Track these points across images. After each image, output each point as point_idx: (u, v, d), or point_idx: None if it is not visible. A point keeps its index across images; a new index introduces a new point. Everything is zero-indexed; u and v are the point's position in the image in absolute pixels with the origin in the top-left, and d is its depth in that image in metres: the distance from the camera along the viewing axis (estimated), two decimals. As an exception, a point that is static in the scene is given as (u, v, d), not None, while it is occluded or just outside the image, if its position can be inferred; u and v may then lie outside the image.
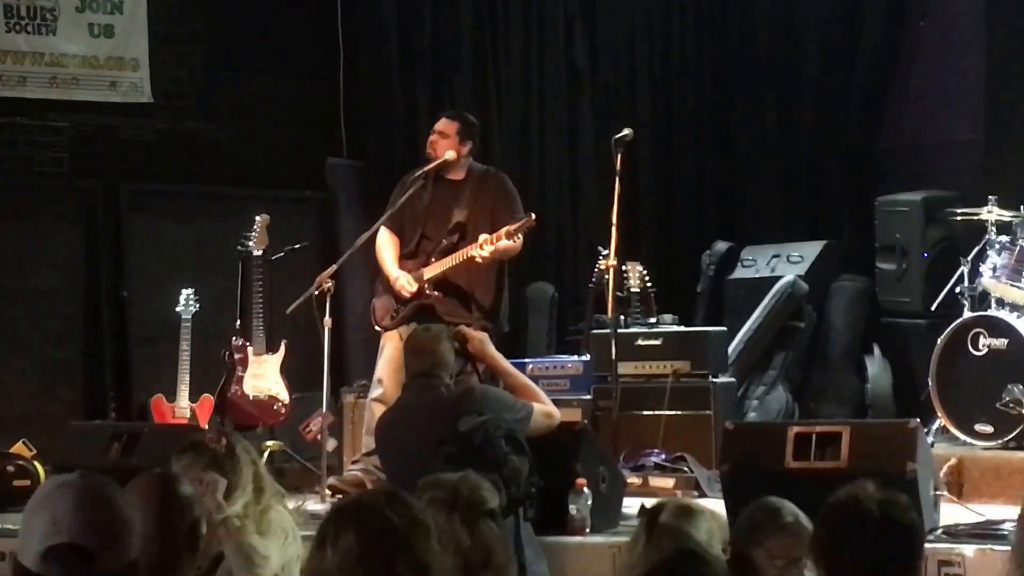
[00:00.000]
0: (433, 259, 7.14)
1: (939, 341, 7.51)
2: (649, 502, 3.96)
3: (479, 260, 6.95)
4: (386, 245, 7.30)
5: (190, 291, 8.27)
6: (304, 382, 8.19)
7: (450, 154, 7.19)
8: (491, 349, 6.42)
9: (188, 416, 8.07)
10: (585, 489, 5.80)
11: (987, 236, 7.62)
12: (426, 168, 7.25)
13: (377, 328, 7.31)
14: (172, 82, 9.60)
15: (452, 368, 6.06)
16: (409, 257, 7.25)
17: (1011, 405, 7.16)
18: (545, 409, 6.01)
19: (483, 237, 6.94)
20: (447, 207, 7.21)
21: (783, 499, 4.10)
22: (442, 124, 7.29)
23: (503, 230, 6.91)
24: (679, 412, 7.80)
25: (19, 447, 7.76)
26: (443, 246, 7.15)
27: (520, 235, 6.98)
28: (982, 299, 7.62)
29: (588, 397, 8.05)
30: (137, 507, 3.07)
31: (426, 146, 7.30)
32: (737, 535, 4.06)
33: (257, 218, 8.22)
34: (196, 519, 3.33)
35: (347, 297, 8.98)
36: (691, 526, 3.80)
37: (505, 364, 6.44)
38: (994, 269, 7.49)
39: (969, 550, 5.23)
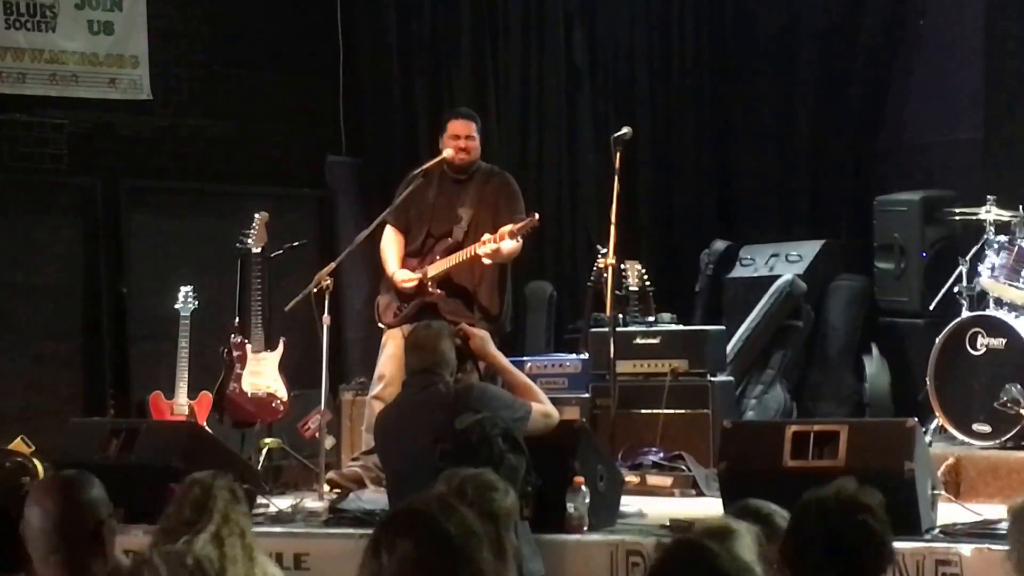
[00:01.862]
0: (438, 256, 7.14)
1: (937, 341, 7.51)
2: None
3: (484, 259, 6.94)
4: (389, 243, 7.31)
5: (189, 288, 8.26)
6: (303, 379, 8.19)
7: (448, 152, 7.19)
8: (492, 348, 6.42)
9: (186, 413, 8.06)
10: (583, 487, 5.80)
11: (986, 236, 7.62)
12: (426, 165, 7.26)
13: (380, 325, 7.32)
14: (171, 79, 9.61)
15: (452, 366, 6.05)
16: (414, 255, 7.25)
17: (1009, 405, 7.16)
18: (544, 409, 6.01)
19: (486, 236, 6.94)
20: (452, 205, 7.21)
21: (766, 502, 4.09)
22: (466, 127, 7.22)
23: (506, 229, 6.91)
24: (677, 411, 7.80)
25: (18, 443, 7.76)
26: (448, 244, 7.15)
27: (524, 235, 6.98)
28: (980, 299, 7.63)
29: (586, 395, 8.05)
30: (35, 509, 3.38)
31: (455, 152, 7.17)
32: None
33: (256, 215, 8.21)
34: (100, 521, 3.44)
35: (346, 295, 8.99)
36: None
37: (505, 363, 6.44)
38: (992, 269, 7.49)
39: (966, 549, 5.24)
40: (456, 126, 7.25)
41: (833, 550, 3.23)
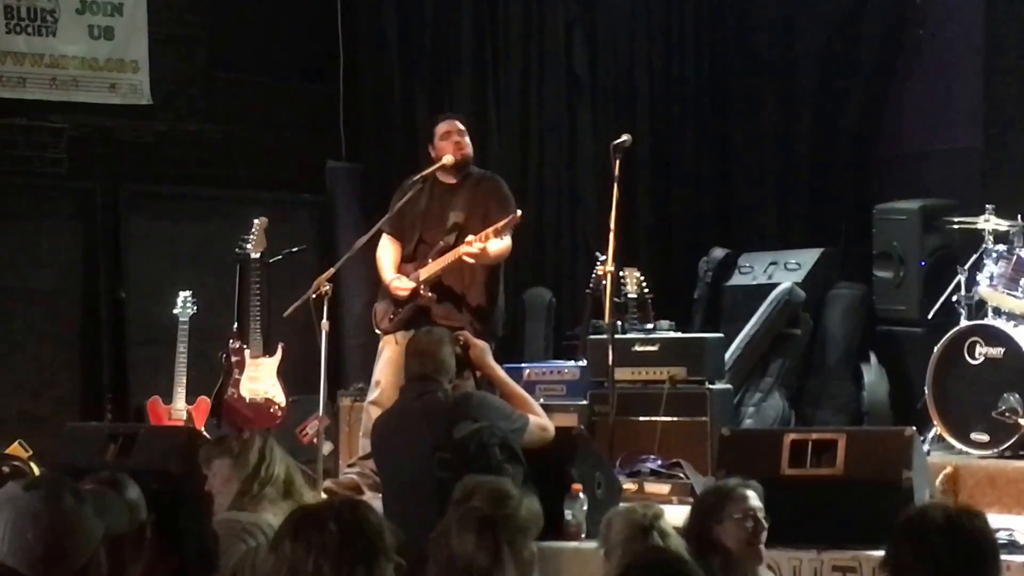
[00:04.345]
0: (430, 260, 7.15)
1: (936, 349, 7.51)
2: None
3: (470, 260, 6.95)
4: (386, 251, 7.32)
5: (188, 293, 8.27)
6: (301, 385, 8.19)
7: (448, 159, 7.20)
8: (491, 360, 6.40)
9: (184, 418, 8.07)
10: (581, 494, 5.80)
11: (984, 245, 7.62)
12: (424, 172, 7.26)
13: (377, 331, 7.32)
14: (171, 84, 9.62)
15: (452, 373, 6.04)
16: (408, 260, 7.26)
17: (1007, 414, 7.16)
18: (541, 422, 5.99)
19: (470, 237, 6.95)
20: (444, 210, 7.22)
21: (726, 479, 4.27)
22: (450, 124, 7.28)
23: (490, 229, 6.91)
24: (675, 418, 7.79)
25: (15, 448, 7.77)
26: (440, 249, 7.16)
27: (508, 234, 6.97)
28: (979, 308, 7.63)
29: (585, 402, 8.05)
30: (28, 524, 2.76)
31: (447, 149, 7.18)
32: (695, 525, 4.23)
33: (255, 221, 8.22)
34: (94, 554, 2.80)
35: (344, 300, 8.98)
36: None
37: (503, 375, 6.41)
38: (991, 278, 7.49)
39: (964, 558, 5.23)
40: (444, 126, 7.31)
41: (935, 562, 3.16)
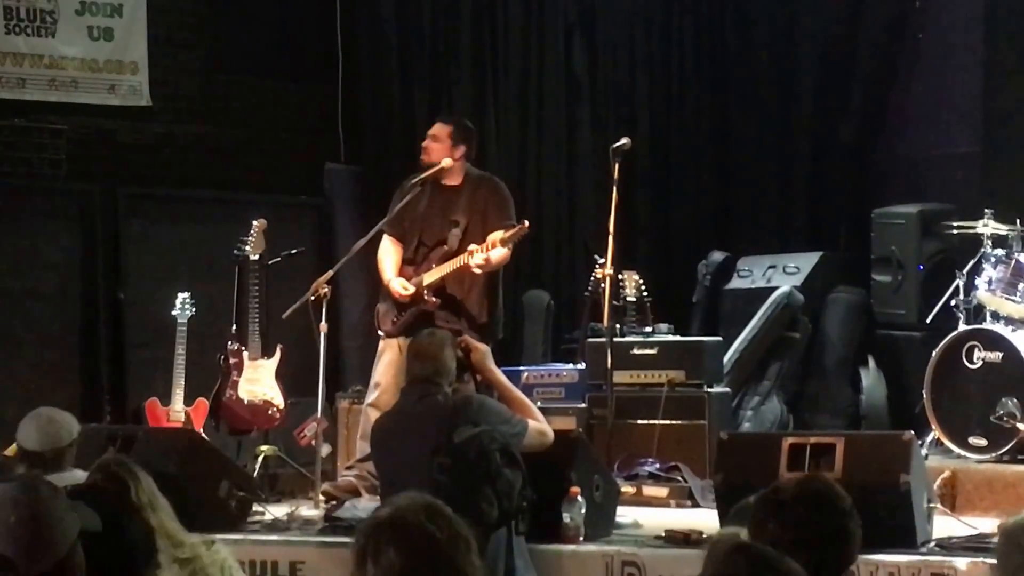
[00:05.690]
0: (433, 264, 7.16)
1: (934, 354, 7.51)
2: None
3: (474, 269, 6.96)
4: (387, 253, 7.32)
5: (186, 295, 8.26)
6: (299, 387, 8.19)
7: (447, 161, 7.21)
8: (491, 364, 6.40)
9: (183, 420, 8.06)
10: (579, 497, 5.80)
11: (983, 249, 7.63)
12: (423, 175, 7.26)
13: (379, 333, 7.33)
14: (171, 86, 9.62)
15: (452, 375, 6.05)
16: (408, 263, 7.27)
17: (1005, 418, 7.17)
18: (540, 427, 5.99)
19: (472, 246, 6.96)
20: (443, 213, 7.23)
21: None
22: (435, 128, 7.33)
23: (496, 237, 6.92)
24: (674, 421, 7.80)
25: (13, 449, 7.74)
26: (443, 251, 7.17)
27: (511, 243, 6.98)
28: (977, 312, 7.64)
29: (583, 405, 8.06)
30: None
31: (421, 152, 7.31)
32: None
33: (254, 222, 8.21)
34: (73, 546, 2.84)
35: (343, 303, 8.99)
36: None
37: (503, 380, 6.42)
38: (990, 282, 7.50)
39: (962, 563, 5.24)
40: (431, 128, 7.37)
41: (799, 542, 3.23)
